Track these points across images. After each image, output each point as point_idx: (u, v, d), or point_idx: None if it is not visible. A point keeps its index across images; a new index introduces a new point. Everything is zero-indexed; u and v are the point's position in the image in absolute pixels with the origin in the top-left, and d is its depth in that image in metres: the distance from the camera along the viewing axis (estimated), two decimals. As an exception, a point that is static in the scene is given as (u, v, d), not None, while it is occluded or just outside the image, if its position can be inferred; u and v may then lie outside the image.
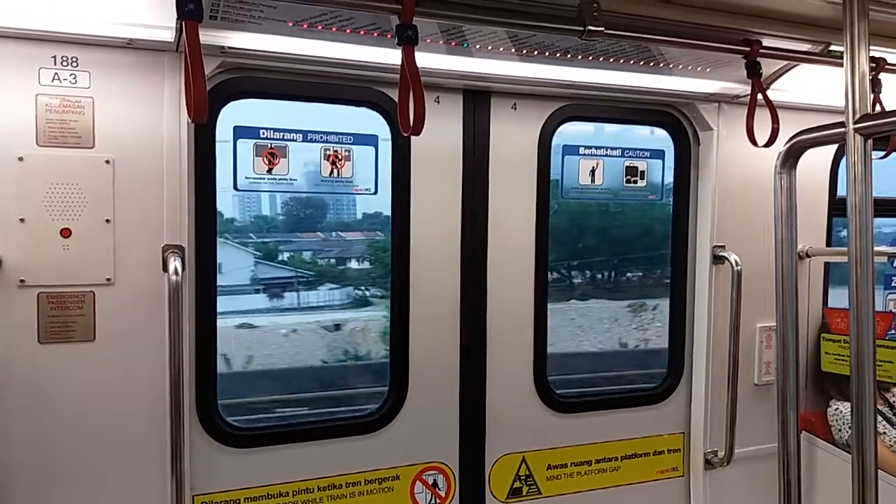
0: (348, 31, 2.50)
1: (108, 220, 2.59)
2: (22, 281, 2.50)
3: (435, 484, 3.31)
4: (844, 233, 2.00)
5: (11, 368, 2.52)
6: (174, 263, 2.53)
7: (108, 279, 2.60)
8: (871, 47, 2.72)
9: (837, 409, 3.70)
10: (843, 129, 1.80)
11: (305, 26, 2.45)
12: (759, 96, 2.75)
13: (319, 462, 3.09)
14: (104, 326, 2.61)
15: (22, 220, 2.48)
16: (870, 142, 1.77)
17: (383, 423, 3.19)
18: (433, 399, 3.27)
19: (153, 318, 2.64)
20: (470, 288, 3.29)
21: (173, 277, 2.51)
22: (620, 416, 3.65)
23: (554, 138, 3.39)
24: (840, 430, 3.65)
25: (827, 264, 3.92)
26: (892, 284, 4.28)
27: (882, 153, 3.14)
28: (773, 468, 2.21)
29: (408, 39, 2.10)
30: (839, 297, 3.87)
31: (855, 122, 1.75)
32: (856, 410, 1.82)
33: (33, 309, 2.53)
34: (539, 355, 3.45)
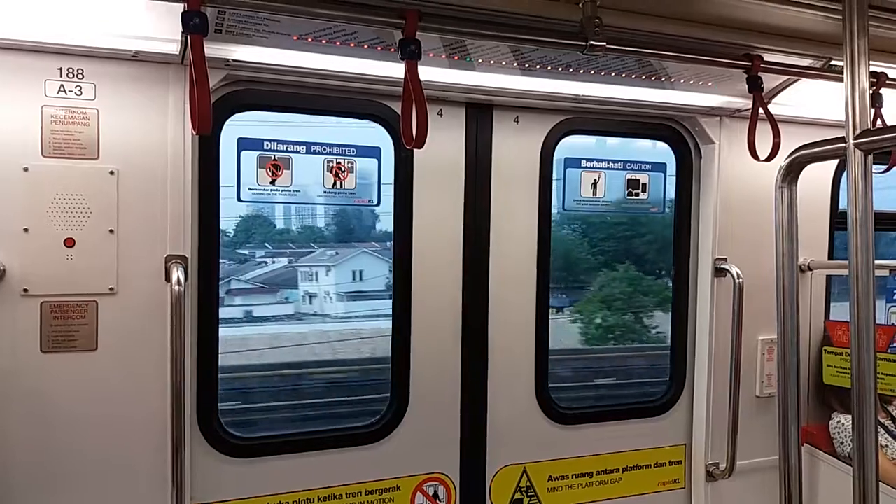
0: (352, 45, 2.52)
1: (111, 231, 2.60)
2: (25, 290, 2.51)
3: (435, 495, 3.31)
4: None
5: (13, 377, 2.53)
6: (177, 274, 2.55)
7: (110, 289, 2.61)
8: (872, 62, 2.74)
9: (839, 421, 3.69)
10: (843, 145, 1.80)
11: (310, 40, 2.47)
12: (761, 110, 2.77)
13: (320, 472, 3.09)
14: (106, 336, 2.62)
15: (26, 229, 2.50)
16: (870, 157, 1.78)
17: (384, 433, 3.19)
18: (434, 410, 3.27)
19: (155, 328, 2.65)
20: (471, 299, 3.30)
21: (176, 288, 2.52)
22: (622, 427, 3.64)
23: (556, 151, 3.40)
24: (842, 443, 3.64)
25: (829, 277, 3.93)
26: (895, 297, 4.27)
27: (883, 167, 3.15)
28: (775, 480, 2.20)
29: (411, 54, 2.12)
30: (842, 310, 3.87)
31: (855, 138, 1.76)
32: (857, 423, 1.82)
33: (36, 318, 2.54)
34: (541, 366, 3.45)
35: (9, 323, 2.51)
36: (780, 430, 2.16)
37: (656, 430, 3.72)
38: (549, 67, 2.83)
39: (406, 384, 3.21)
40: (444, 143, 3.17)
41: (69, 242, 2.55)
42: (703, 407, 3.68)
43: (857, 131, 1.76)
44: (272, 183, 2.94)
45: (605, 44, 2.32)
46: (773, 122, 2.76)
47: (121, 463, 2.68)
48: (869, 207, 1.78)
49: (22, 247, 2.50)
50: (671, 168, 3.70)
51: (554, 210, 3.46)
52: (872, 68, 2.84)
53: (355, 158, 3.08)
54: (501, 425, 3.39)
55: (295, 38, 2.46)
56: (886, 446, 3.56)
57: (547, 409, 3.47)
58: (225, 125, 2.84)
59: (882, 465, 3.50)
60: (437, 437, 3.29)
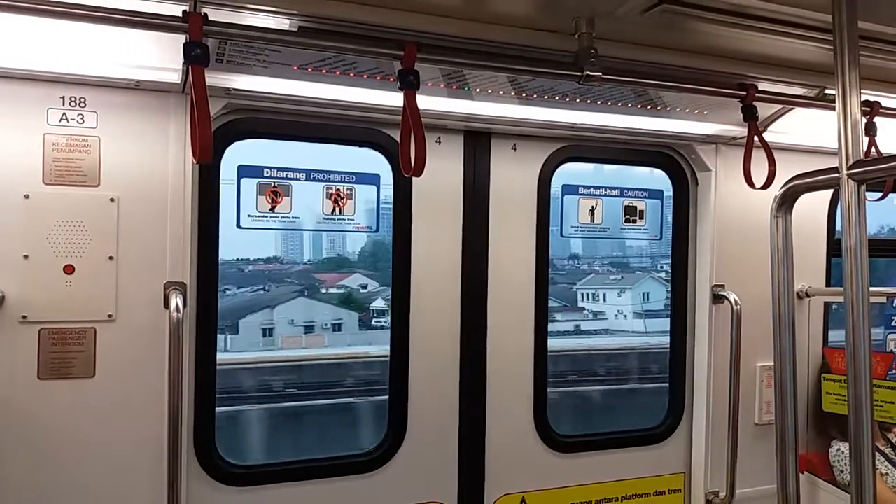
0: (352, 74, 2.55)
1: (111, 258, 2.61)
2: (24, 317, 2.52)
3: (434, 523, 3.29)
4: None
5: (10, 404, 2.52)
6: (176, 300, 2.55)
7: (109, 316, 2.62)
8: (867, 91, 2.76)
9: (839, 449, 3.67)
10: (836, 175, 1.82)
11: (310, 70, 2.50)
12: (756, 138, 2.79)
13: (317, 501, 3.06)
14: (104, 363, 2.62)
15: (26, 256, 2.51)
16: (863, 186, 1.79)
17: (382, 462, 3.18)
18: (432, 438, 3.25)
19: (153, 354, 2.65)
20: (470, 326, 3.30)
21: (174, 314, 2.52)
22: (621, 456, 3.62)
23: (553, 178, 3.43)
24: (842, 471, 3.62)
25: (827, 304, 3.93)
26: (893, 324, 4.27)
27: (879, 195, 3.17)
28: None
29: (410, 84, 2.15)
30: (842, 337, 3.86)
31: (848, 168, 1.77)
32: (854, 452, 1.81)
33: (34, 345, 2.53)
34: (539, 394, 3.44)
35: (7, 350, 2.51)
36: (777, 458, 2.14)
37: (655, 458, 3.70)
38: (545, 96, 2.86)
39: (404, 412, 3.20)
40: (443, 170, 3.20)
41: (69, 269, 2.56)
42: (702, 435, 3.66)
43: (850, 162, 1.78)
44: (272, 210, 2.96)
45: (600, 74, 2.35)
46: (768, 150, 2.78)
47: (117, 491, 2.66)
48: (863, 236, 1.79)
49: (21, 274, 2.51)
50: (668, 194, 3.73)
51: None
52: (867, 97, 2.87)
53: (354, 185, 3.10)
54: (500, 453, 3.37)
55: (295, 67, 2.49)
56: (887, 474, 3.54)
57: (545, 437, 3.46)
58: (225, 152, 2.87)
59: (883, 493, 3.47)
60: (435, 466, 3.27)
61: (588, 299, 12.13)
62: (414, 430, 3.21)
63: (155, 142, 2.65)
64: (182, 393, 2.52)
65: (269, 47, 2.31)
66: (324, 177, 3.06)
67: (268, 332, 9.18)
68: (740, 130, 3.27)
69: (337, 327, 9.09)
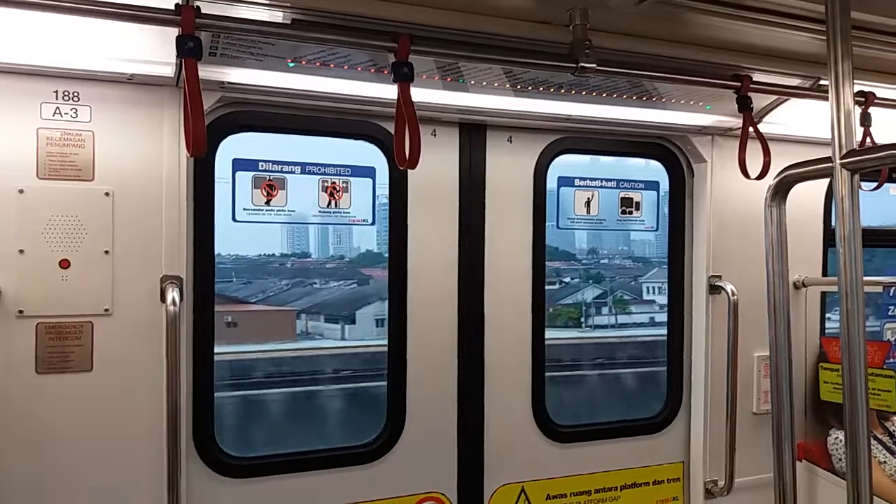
0: (346, 67, 2.55)
1: (106, 252, 2.61)
2: (20, 311, 2.52)
3: (433, 514, 3.30)
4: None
5: (8, 399, 2.52)
6: (172, 294, 2.55)
7: (106, 310, 2.62)
8: (863, 82, 2.76)
9: (837, 437, 3.68)
10: (830, 165, 1.82)
11: (304, 63, 2.50)
12: (752, 129, 2.79)
13: (317, 492, 3.07)
14: (102, 357, 2.62)
15: (21, 251, 2.51)
16: (857, 176, 1.79)
17: (381, 453, 3.18)
18: (431, 429, 3.26)
19: (151, 348, 2.65)
20: (467, 317, 3.30)
21: (171, 308, 2.52)
22: (619, 445, 3.63)
23: (549, 170, 3.43)
24: (840, 460, 3.63)
25: (823, 293, 3.93)
26: (890, 314, 4.28)
27: (874, 184, 3.17)
28: (773, 498, 2.20)
29: (404, 77, 2.15)
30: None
31: (841, 158, 1.78)
32: (849, 438, 1.82)
33: (31, 339, 2.54)
34: (537, 385, 3.45)
35: (4, 344, 2.51)
36: (774, 447, 2.16)
37: (654, 448, 3.71)
38: (541, 88, 2.86)
39: (402, 403, 3.21)
40: (439, 162, 3.19)
41: (64, 264, 2.56)
42: (700, 424, 3.67)
43: (843, 151, 1.78)
44: (267, 203, 2.96)
45: (595, 65, 2.35)
46: (763, 141, 2.78)
47: (116, 484, 2.67)
48: (856, 225, 1.79)
49: (17, 268, 2.51)
50: (665, 186, 3.73)
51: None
52: (862, 87, 2.87)
53: (350, 178, 3.10)
54: (499, 444, 3.38)
55: (289, 60, 2.49)
56: (885, 462, 3.56)
57: (544, 427, 3.47)
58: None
59: (881, 481, 3.49)
60: (435, 457, 3.28)
61: (655, 292, 12.47)
62: (413, 420, 3.22)
63: (149, 136, 2.64)
64: (180, 386, 2.53)
65: (262, 40, 2.31)
66: (319, 170, 3.06)
67: (380, 322, 9.98)
68: (735, 122, 3.27)
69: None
